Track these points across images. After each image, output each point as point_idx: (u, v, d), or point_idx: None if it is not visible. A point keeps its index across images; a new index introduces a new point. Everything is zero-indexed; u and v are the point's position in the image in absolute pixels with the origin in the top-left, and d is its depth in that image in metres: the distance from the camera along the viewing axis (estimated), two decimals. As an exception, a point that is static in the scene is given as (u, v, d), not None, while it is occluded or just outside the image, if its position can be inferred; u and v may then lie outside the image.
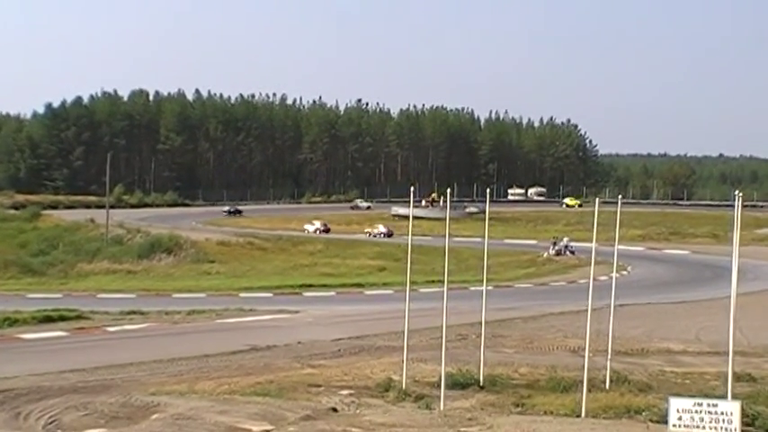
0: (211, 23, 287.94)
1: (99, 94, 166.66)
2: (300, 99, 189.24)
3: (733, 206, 31.71)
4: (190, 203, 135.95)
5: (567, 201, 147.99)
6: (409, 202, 38.45)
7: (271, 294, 58.52)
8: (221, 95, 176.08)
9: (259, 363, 34.50)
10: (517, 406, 28.15)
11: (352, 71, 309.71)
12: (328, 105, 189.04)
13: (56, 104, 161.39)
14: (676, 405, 25.86)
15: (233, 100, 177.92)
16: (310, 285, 64.42)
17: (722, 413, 25.51)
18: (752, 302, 38.40)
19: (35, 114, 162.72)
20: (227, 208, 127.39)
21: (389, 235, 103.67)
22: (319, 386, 30.25)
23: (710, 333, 35.28)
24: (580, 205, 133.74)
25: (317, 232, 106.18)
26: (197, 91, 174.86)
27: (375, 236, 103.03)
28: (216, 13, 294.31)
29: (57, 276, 72.08)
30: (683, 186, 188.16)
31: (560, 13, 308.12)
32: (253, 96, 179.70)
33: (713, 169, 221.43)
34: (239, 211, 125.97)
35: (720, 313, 30.20)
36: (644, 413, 26.82)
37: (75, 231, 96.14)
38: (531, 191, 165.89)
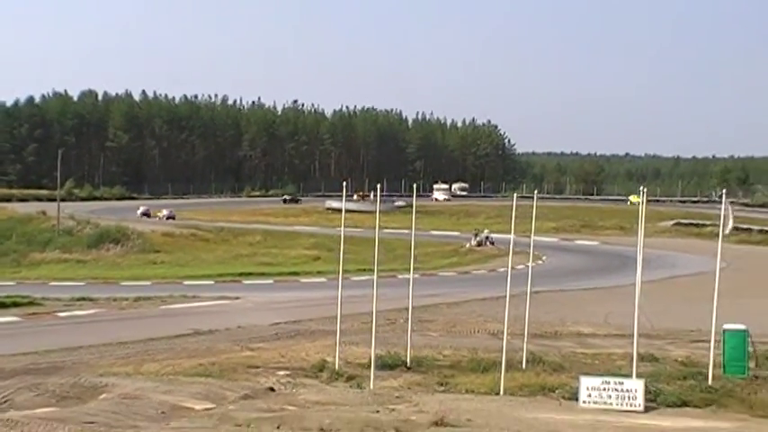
0: (158, 27, 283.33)
1: (50, 94, 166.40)
2: (240, 99, 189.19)
3: (639, 201, 32.11)
4: (136, 197, 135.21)
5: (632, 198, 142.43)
6: (342, 196, 38.45)
7: (213, 282, 58.41)
8: (166, 96, 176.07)
9: (201, 346, 34.41)
10: (441, 385, 28.24)
11: (289, 73, 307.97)
12: (266, 106, 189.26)
13: (9, 103, 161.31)
14: (586, 383, 26.09)
15: (177, 100, 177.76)
16: (250, 274, 64.34)
17: (628, 390, 25.78)
18: (655, 289, 38.77)
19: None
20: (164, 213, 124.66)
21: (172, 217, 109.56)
22: (258, 367, 30.20)
23: (617, 317, 35.56)
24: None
25: (165, 218, 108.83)
26: (143, 92, 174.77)
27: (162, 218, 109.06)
28: (162, 18, 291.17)
29: (9, 265, 71.50)
30: (593, 182, 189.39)
31: (482, 22, 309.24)
32: (196, 97, 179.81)
33: (620, 167, 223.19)
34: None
35: (627, 299, 30.41)
36: (557, 391, 27.00)
37: (27, 223, 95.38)
38: (455, 186, 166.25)
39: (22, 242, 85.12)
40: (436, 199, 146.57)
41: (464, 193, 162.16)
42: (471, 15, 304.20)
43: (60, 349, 32.68)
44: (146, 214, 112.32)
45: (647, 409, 25.40)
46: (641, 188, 33.45)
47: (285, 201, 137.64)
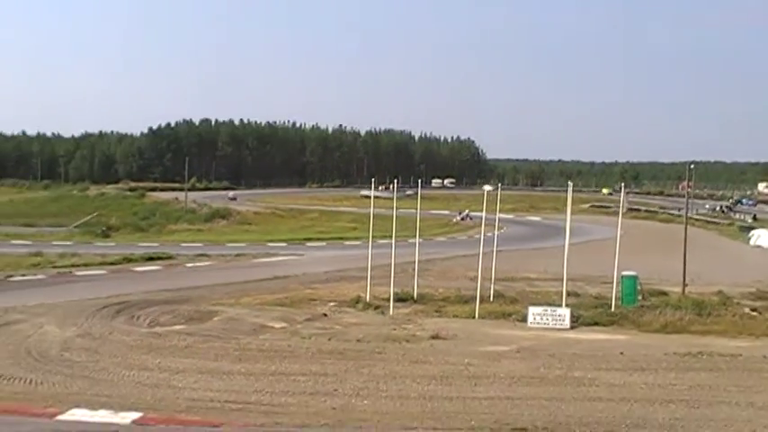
0: (252, 74, 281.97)
1: (181, 121, 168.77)
2: (304, 123, 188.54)
3: (567, 191, 32.03)
4: (235, 188, 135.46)
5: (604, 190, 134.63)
6: (371, 187, 38.40)
7: (286, 244, 58.39)
8: (256, 121, 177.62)
9: (279, 286, 34.47)
10: (437, 312, 28.24)
11: (337, 104, 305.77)
12: (321, 128, 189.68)
13: (154, 127, 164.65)
14: (532, 310, 26.14)
15: (263, 123, 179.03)
16: (310, 239, 64.34)
17: (559, 315, 25.83)
18: (578, 249, 38.63)
19: (142, 133, 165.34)
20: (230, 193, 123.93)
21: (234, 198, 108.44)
22: (316, 300, 30.25)
23: (553, 267, 35.45)
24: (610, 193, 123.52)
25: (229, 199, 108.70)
26: (241, 119, 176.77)
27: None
28: (254, 64, 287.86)
29: (155, 233, 71.79)
30: (538, 179, 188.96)
31: (464, 62, 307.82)
32: (275, 122, 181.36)
33: (555, 168, 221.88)
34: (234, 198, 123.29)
35: (559, 255, 30.33)
36: (513, 315, 27.00)
37: (166, 205, 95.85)
38: (446, 181, 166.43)
39: (163, 217, 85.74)
40: (434, 187, 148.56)
41: (452, 185, 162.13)
42: (457, 57, 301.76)
43: (187, 288, 32.81)
44: (233, 198, 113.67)
45: (572, 327, 25.43)
46: (569, 183, 33.35)
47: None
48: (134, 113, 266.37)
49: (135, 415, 14.03)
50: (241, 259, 46.97)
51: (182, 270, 41.07)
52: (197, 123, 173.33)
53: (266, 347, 21.16)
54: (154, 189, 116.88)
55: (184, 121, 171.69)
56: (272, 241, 60.53)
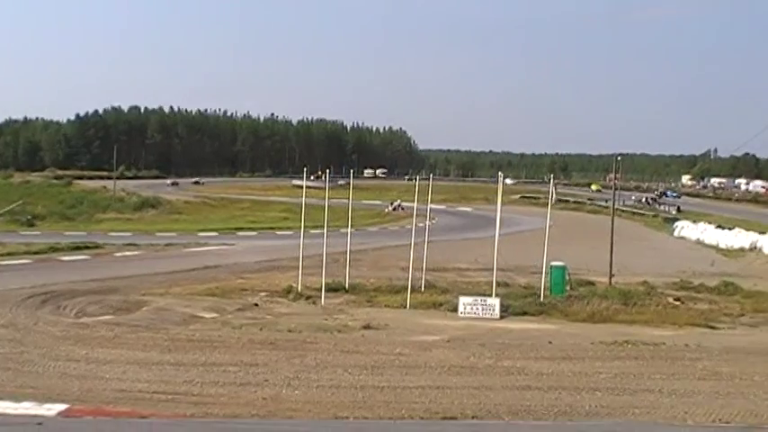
0: (184, 60, 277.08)
1: (109, 108, 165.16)
2: (236, 112, 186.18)
3: (497, 182, 32.38)
4: (166, 177, 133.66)
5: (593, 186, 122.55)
6: (303, 177, 38.28)
7: (217, 234, 57.81)
8: (186, 109, 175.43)
9: (209, 275, 34.16)
10: (368, 302, 28.32)
11: (268, 93, 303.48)
12: (253, 117, 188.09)
13: (81, 114, 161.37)
14: (463, 300, 26.39)
15: (193, 112, 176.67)
16: (241, 228, 63.78)
17: (489, 305, 26.13)
18: (507, 239, 39.10)
19: (69, 120, 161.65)
20: (193, 179, 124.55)
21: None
22: (247, 290, 30.09)
23: (483, 258, 35.78)
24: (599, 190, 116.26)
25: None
26: (171, 107, 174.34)
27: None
28: (184, 51, 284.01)
29: (83, 222, 70.39)
30: (469, 169, 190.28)
31: (397, 54, 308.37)
32: (206, 110, 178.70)
33: (485, 159, 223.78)
34: (198, 182, 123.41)
35: (489, 245, 30.66)
36: (444, 305, 27.21)
37: (94, 194, 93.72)
38: (378, 171, 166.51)
39: (91, 206, 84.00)
40: (366, 177, 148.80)
41: (384, 176, 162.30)
42: (388, 47, 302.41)
43: (116, 277, 32.31)
44: (174, 183, 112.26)
45: (501, 317, 25.74)
46: (499, 174, 33.72)
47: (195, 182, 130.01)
48: (61, 100, 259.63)
49: (61, 407, 13.78)
50: (171, 249, 46.37)
51: (110, 260, 40.38)
52: (126, 111, 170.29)
53: (196, 338, 20.98)
54: (81, 177, 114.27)
55: (113, 108, 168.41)
56: (202, 231, 59.85)
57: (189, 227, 64.29)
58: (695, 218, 77.08)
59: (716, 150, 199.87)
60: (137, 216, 78.19)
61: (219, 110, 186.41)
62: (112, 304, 26.00)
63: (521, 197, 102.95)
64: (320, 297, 27.80)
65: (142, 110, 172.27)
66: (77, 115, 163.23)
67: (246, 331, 22.04)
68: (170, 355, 18.81)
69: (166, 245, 47.97)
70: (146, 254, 43.30)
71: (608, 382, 16.99)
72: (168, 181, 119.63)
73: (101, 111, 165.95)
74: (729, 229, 63.22)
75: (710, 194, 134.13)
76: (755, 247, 55.58)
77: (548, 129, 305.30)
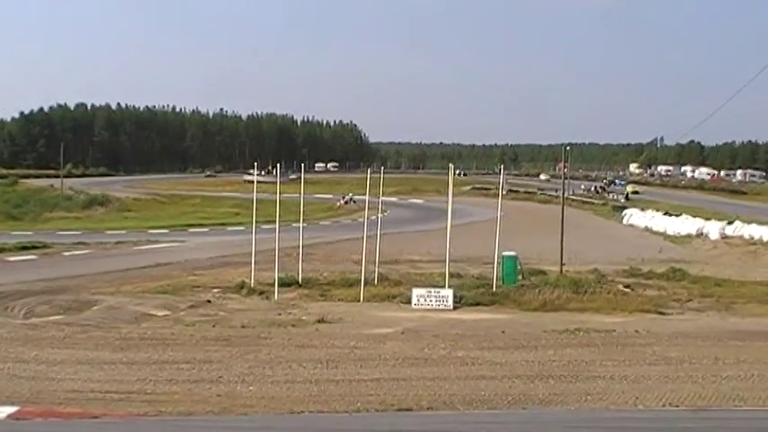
0: (129, 54, 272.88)
1: (55, 105, 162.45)
2: (184, 108, 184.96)
3: (448, 173, 32.52)
4: (114, 174, 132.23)
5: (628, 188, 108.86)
6: (254, 172, 38.13)
7: (168, 231, 57.23)
8: (134, 105, 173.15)
9: (161, 273, 33.83)
10: (322, 296, 28.27)
11: (216, 88, 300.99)
12: (202, 112, 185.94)
13: (26, 111, 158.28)
14: (416, 292, 26.47)
15: (141, 108, 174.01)
16: (192, 225, 63.25)
17: (443, 296, 26.22)
18: (459, 230, 39.22)
19: (13, 119, 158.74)
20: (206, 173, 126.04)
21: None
22: (199, 287, 29.85)
23: (436, 249, 35.91)
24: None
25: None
26: (118, 103, 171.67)
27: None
28: (130, 46, 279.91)
29: (30, 221, 69.13)
30: (420, 161, 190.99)
31: (352, 48, 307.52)
32: (154, 106, 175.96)
33: (436, 151, 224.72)
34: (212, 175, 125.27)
35: (441, 237, 30.80)
36: (397, 298, 27.27)
37: (41, 193, 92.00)
38: (329, 165, 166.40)
39: (38, 205, 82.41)
40: (317, 171, 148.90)
41: (336, 169, 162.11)
42: (339, 45, 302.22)
43: (65, 277, 31.85)
44: (211, 175, 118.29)
45: (454, 308, 25.88)
46: (450, 165, 33.87)
47: (207, 176, 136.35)
48: (4, 98, 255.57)
49: (11, 409, 13.54)
50: (121, 247, 45.82)
51: (59, 259, 39.76)
52: (72, 108, 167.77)
53: (148, 336, 20.78)
54: (27, 176, 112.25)
55: (58, 105, 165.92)
56: (153, 228, 59.21)
57: (139, 224, 63.55)
58: (643, 205, 78.20)
59: (662, 139, 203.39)
60: (85, 214, 77.00)
61: (168, 105, 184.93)
62: (62, 304, 25.60)
63: (472, 188, 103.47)
64: (273, 292, 27.69)
65: (89, 107, 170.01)
66: (22, 113, 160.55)
67: (199, 328, 21.89)
68: (122, 353, 18.60)
69: (116, 243, 47.38)
70: (95, 252, 42.71)
71: (561, 370, 17.17)
72: (206, 172, 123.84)
73: (46, 108, 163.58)
74: (677, 215, 64.23)
75: (658, 182, 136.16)
76: (702, 234, 56.55)
77: (497, 119, 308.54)
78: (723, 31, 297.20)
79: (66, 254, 41.62)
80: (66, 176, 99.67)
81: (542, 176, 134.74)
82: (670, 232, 59.57)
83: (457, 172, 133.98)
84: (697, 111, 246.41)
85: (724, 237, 54.52)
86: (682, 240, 55.02)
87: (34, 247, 43.05)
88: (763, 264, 43.07)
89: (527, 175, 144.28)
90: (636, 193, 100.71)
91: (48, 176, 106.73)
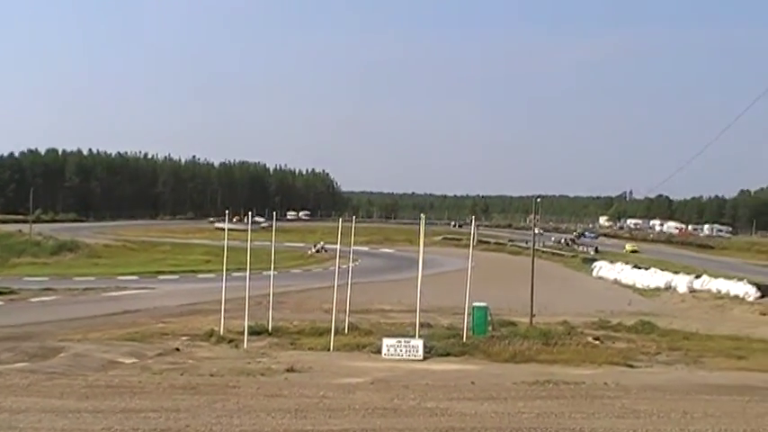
0: (101, 103, 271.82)
1: (26, 151, 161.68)
2: (157, 154, 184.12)
3: (419, 223, 32.61)
4: (84, 220, 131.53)
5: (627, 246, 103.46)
6: (225, 219, 38.04)
7: (137, 277, 56.94)
8: (105, 151, 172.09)
9: (129, 320, 33.56)
10: (292, 344, 28.15)
11: (190, 135, 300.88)
12: (174, 159, 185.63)
13: None
14: (386, 342, 26.37)
15: (113, 155, 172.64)
16: (162, 272, 63.04)
17: (413, 346, 26.14)
18: (430, 280, 39.29)
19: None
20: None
21: None
22: (168, 334, 29.64)
23: (407, 298, 35.96)
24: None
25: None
26: (90, 149, 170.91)
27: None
28: (101, 95, 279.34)
29: (-5, 266, 68.57)
30: (392, 211, 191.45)
31: (324, 100, 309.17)
32: (126, 153, 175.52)
33: (408, 201, 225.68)
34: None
35: (412, 286, 30.83)
36: (367, 347, 27.17)
37: (8, 237, 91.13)
38: (301, 213, 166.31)
39: (5, 251, 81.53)
40: (289, 219, 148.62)
41: (307, 218, 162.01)
42: (312, 94, 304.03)
43: (31, 323, 31.50)
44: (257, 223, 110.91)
45: (425, 358, 25.79)
46: (421, 215, 33.99)
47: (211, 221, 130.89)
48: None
49: (-28, 458, 13.30)
50: (89, 293, 45.44)
51: (25, 305, 39.33)
52: (43, 153, 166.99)
53: (115, 383, 20.48)
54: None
55: (29, 150, 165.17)
56: (122, 275, 58.84)
57: (108, 271, 63.13)
58: (612, 258, 78.76)
59: (631, 192, 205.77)
60: (54, 260, 76.36)
61: (140, 152, 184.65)
62: (28, 351, 25.21)
63: (443, 238, 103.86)
64: (243, 340, 27.49)
65: (60, 152, 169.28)
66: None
67: (167, 376, 21.62)
68: (87, 402, 18.29)
69: (85, 289, 47.02)
70: (63, 298, 42.32)
71: (530, 422, 17.10)
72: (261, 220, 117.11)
73: (17, 153, 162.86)
74: (645, 269, 64.80)
75: (627, 235, 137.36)
76: (670, 287, 57.09)
77: (469, 170, 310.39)
78: (692, 88, 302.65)
79: (34, 300, 41.19)
80: (35, 222, 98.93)
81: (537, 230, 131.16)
82: (639, 285, 60.11)
83: (453, 224, 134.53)
84: (665, 166, 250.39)
85: (692, 290, 55.07)
86: (651, 293, 55.48)
87: (0, 293, 42.56)
88: (729, 318, 43.51)
89: (497, 226, 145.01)
90: (635, 251, 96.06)
91: (16, 221, 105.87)
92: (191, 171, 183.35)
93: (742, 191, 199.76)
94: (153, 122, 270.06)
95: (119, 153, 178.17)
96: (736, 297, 50.69)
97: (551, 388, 20.93)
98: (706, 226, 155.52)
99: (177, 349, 26.60)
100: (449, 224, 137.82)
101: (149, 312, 36.34)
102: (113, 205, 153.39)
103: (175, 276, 59.81)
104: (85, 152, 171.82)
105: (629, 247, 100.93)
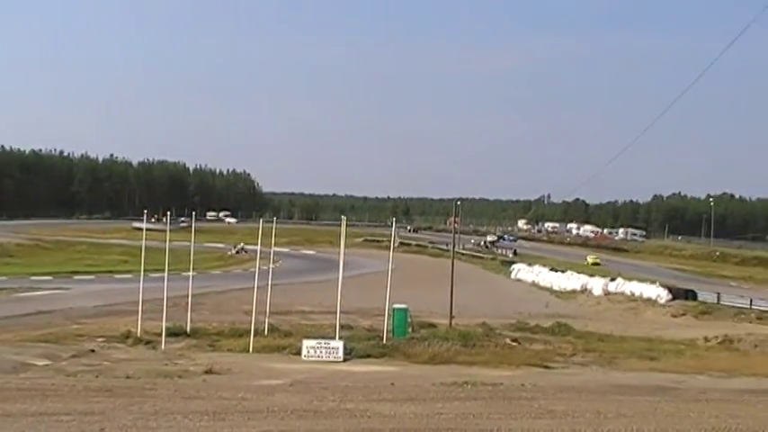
0: (12, 94, 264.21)
1: None
2: (73, 152, 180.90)
3: (340, 225, 32.62)
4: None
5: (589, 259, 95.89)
6: (144, 219, 37.42)
7: (51, 278, 55.56)
8: (19, 149, 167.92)
9: (43, 321, 32.73)
10: (211, 346, 27.86)
11: (107, 133, 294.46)
12: (92, 157, 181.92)
13: None
14: (306, 343, 26.32)
15: (27, 152, 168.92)
16: (78, 272, 61.68)
17: (333, 347, 26.14)
18: (351, 282, 39.40)
19: None
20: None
21: None
22: (83, 336, 29.01)
23: (327, 300, 35.93)
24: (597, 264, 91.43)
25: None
26: (2, 146, 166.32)
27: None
28: (16, 85, 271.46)
29: None
30: (314, 212, 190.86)
31: (244, 97, 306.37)
32: (41, 150, 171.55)
33: (330, 202, 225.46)
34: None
35: (333, 289, 30.82)
36: (287, 349, 27.06)
37: None
38: (222, 214, 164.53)
39: None
40: (209, 219, 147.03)
41: (228, 218, 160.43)
42: (232, 94, 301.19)
43: (-62, 325, 30.50)
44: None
45: (345, 360, 25.80)
46: (342, 216, 34.01)
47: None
48: None
49: None
50: (1, 293, 44.15)
51: (-69, 306, 38.03)
52: None
53: (27, 386, 19.95)
54: None
55: None
56: (36, 274, 57.35)
57: (21, 270, 61.46)
58: (531, 260, 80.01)
59: (549, 196, 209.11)
60: (-38, 261, 73.99)
61: (55, 150, 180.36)
62: (-67, 354, 24.44)
63: (364, 240, 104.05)
64: (161, 342, 27.10)
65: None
66: None
67: (81, 378, 21.16)
68: (-2, 405, 17.80)
69: (-5, 290, 45.69)
70: (-29, 300, 41.05)
71: (449, 423, 17.25)
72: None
73: None
74: (562, 271, 66.01)
75: (545, 238, 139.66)
76: (586, 289, 58.28)
77: (389, 173, 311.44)
78: (608, 95, 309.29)
79: (-60, 300, 39.90)
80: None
81: (489, 237, 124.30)
82: (556, 287, 61.20)
83: (409, 229, 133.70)
84: (582, 170, 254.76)
85: (607, 293, 56.35)
86: (567, 296, 56.54)
87: None
88: (642, 320, 44.66)
89: (416, 230, 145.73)
90: (597, 264, 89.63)
91: None
92: (108, 170, 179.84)
93: (655, 196, 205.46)
94: (68, 119, 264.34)
95: (33, 151, 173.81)
96: (649, 299, 52.01)
97: (470, 389, 21.15)
98: (621, 230, 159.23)
99: (93, 351, 26.08)
100: (372, 226, 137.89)
101: (64, 313, 35.52)
102: (27, 204, 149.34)
103: (91, 277, 58.58)
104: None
105: (590, 259, 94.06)
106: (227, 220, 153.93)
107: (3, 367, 22.55)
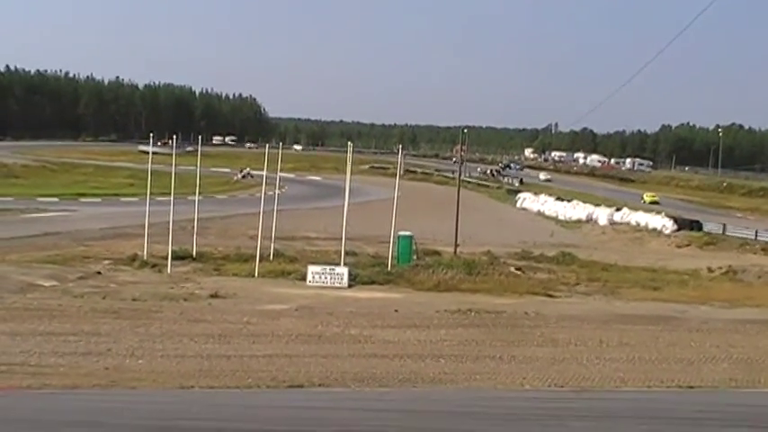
0: (23, 19, 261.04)
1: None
2: (79, 74, 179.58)
3: (347, 151, 32.52)
4: (2, 139, 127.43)
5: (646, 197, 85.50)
6: (150, 143, 37.32)
7: (58, 200, 55.59)
8: (24, 69, 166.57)
9: (49, 242, 32.83)
10: (216, 270, 28.04)
11: (112, 55, 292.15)
12: (97, 79, 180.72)
13: None
14: (311, 269, 26.50)
15: (32, 72, 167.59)
16: (84, 194, 61.64)
17: (338, 274, 26.32)
18: (356, 209, 39.25)
19: None
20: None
21: None
22: (89, 258, 29.17)
23: (332, 227, 35.88)
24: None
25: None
26: (7, 66, 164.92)
27: None
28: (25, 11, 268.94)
29: None
30: (319, 139, 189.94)
31: (254, 21, 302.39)
32: (46, 71, 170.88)
33: (336, 128, 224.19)
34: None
35: (338, 215, 30.83)
36: (292, 274, 27.24)
37: None
38: (227, 138, 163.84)
39: None
40: (215, 144, 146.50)
41: (234, 143, 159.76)
42: (241, 17, 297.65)
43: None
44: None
45: (349, 286, 25.99)
46: (349, 143, 33.88)
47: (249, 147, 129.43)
48: None
49: None
50: (7, 214, 44.23)
51: (-61, 226, 38.17)
52: None
53: (34, 306, 20.17)
54: None
55: None
56: (42, 196, 57.38)
57: (27, 191, 61.48)
58: (537, 190, 79.90)
59: (557, 125, 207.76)
60: (-33, 181, 74.06)
61: (60, 71, 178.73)
62: (-58, 272, 24.63)
63: (370, 167, 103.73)
64: (167, 265, 27.27)
65: None
66: None
67: (88, 300, 21.37)
68: (5, 324, 18.01)
69: (2, 210, 45.74)
70: (-21, 219, 41.16)
71: (451, 350, 17.43)
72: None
73: None
74: (568, 201, 65.88)
75: (551, 167, 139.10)
76: (591, 219, 58.24)
77: (397, 100, 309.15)
78: (616, 23, 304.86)
79: (-52, 220, 40.01)
80: None
81: (542, 176, 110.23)
82: (561, 217, 61.12)
83: (453, 160, 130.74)
84: (590, 99, 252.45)
85: (612, 223, 56.27)
86: (572, 225, 56.52)
87: None
88: (647, 250, 44.70)
89: (423, 156, 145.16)
90: (655, 202, 79.06)
91: None
92: (114, 92, 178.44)
93: (663, 126, 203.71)
94: (74, 39, 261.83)
95: (38, 71, 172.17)
96: (654, 230, 52.00)
97: (473, 317, 21.32)
98: (628, 160, 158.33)
99: (99, 273, 26.28)
100: (379, 153, 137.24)
101: (71, 235, 35.60)
102: (32, 125, 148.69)
103: (98, 199, 58.59)
104: (2, 69, 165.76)
105: (647, 197, 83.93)
106: (247, 144, 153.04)
107: (10, 287, 22.75)
